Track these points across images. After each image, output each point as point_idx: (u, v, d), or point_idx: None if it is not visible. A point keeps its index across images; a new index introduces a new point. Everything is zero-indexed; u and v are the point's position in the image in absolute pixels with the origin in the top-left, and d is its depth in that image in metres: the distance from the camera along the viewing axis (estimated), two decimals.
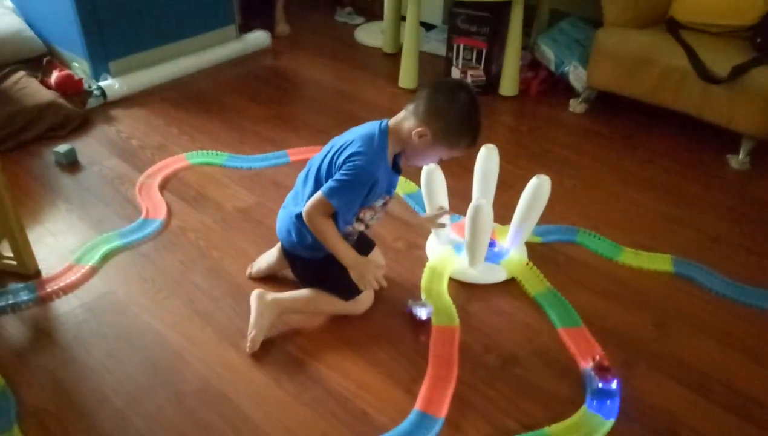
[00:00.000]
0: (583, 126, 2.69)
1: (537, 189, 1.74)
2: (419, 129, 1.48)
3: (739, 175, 2.37)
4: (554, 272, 1.85)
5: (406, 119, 1.51)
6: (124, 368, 1.54)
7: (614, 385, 1.49)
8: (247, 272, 1.81)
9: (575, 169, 2.39)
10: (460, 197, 1.97)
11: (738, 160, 2.40)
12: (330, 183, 1.48)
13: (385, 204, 1.63)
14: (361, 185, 1.48)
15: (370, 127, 1.54)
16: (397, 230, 2.00)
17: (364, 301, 1.68)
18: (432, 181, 1.81)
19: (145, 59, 2.90)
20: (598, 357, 1.55)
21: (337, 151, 1.51)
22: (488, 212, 1.66)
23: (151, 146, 2.46)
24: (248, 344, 1.57)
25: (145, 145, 2.47)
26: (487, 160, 1.87)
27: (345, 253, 1.54)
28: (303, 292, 1.68)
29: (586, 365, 1.55)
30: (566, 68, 2.83)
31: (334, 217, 1.54)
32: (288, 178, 2.26)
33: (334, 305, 1.66)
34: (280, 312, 1.64)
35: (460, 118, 1.48)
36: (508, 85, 2.87)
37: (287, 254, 1.69)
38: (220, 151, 2.42)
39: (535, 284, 1.80)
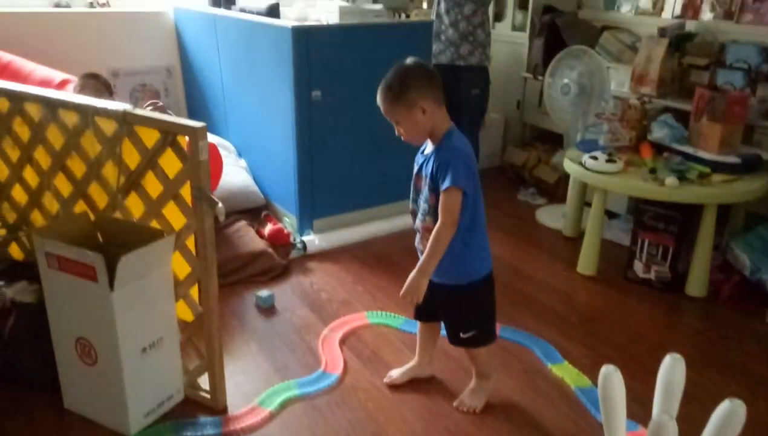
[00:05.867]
0: None
1: (728, 415, 1.59)
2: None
3: None
4: None
5: None
6: None
7: None
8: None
9: None
10: (638, 402, 1.87)
11: None
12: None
13: None
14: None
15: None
16: None
17: None
18: (610, 384, 1.74)
19: (342, 220, 3.25)
20: None
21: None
22: (673, 432, 1.55)
23: (338, 300, 2.68)
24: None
25: (333, 298, 2.70)
26: (671, 370, 1.77)
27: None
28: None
29: None
30: (763, 275, 2.66)
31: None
32: (459, 351, 2.31)
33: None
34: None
35: None
36: (696, 286, 2.74)
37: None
38: (398, 314, 2.56)
39: None
